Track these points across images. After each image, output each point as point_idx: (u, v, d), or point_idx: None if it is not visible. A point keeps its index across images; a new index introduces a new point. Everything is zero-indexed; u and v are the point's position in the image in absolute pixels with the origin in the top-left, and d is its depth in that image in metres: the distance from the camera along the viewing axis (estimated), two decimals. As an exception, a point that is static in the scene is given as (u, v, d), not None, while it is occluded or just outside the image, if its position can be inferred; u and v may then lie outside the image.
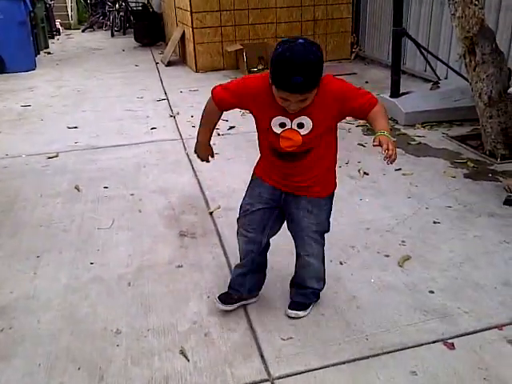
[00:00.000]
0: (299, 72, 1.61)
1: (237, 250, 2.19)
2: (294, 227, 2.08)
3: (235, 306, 2.23)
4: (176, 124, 4.91)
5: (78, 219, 3.09)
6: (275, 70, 1.66)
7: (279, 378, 1.87)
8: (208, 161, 2.21)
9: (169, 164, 3.94)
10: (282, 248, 2.67)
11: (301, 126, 1.84)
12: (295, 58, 1.62)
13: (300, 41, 1.66)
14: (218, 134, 4.48)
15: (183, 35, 7.82)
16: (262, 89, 1.83)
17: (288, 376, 1.88)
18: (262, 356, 1.98)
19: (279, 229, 2.16)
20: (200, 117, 2.06)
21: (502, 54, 3.74)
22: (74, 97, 6.14)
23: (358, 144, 4.13)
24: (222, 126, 4.73)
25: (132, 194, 3.41)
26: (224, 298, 2.23)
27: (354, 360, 1.94)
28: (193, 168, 3.83)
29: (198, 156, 2.20)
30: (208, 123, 2.08)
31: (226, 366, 1.94)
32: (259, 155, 2.09)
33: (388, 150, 1.66)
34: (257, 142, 2.04)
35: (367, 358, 1.95)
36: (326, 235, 2.13)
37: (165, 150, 4.24)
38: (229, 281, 2.29)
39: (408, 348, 1.99)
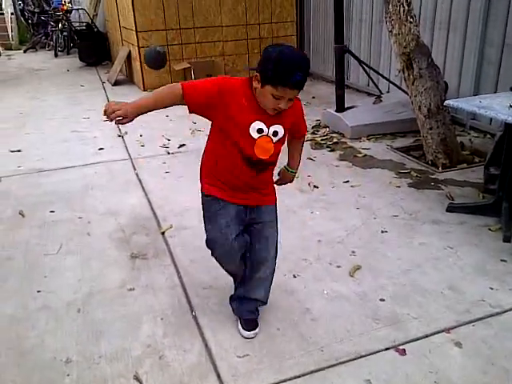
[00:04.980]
0: (300, 68, 1.69)
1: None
2: (259, 239, 2.05)
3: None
4: (124, 144, 4.83)
5: (23, 246, 2.97)
6: (277, 68, 1.67)
7: (236, 396, 1.86)
8: (111, 120, 1.91)
9: (118, 185, 3.87)
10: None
11: (275, 134, 1.88)
12: (296, 55, 1.73)
13: (286, 44, 1.77)
14: (168, 153, 4.46)
15: (129, 54, 7.76)
16: (241, 90, 1.81)
17: (245, 394, 1.87)
18: (218, 375, 1.96)
19: None
20: (153, 98, 1.87)
21: (438, 68, 3.94)
22: (17, 119, 5.93)
23: (308, 158, 4.20)
24: (172, 144, 4.72)
25: (80, 217, 3.32)
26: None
27: (310, 372, 1.95)
28: (143, 188, 3.78)
29: (110, 112, 1.89)
30: (159, 101, 1.85)
31: (182, 388, 1.91)
32: (209, 172, 2.00)
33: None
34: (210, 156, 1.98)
35: (323, 369, 1.97)
36: (278, 249, 2.14)
37: (113, 170, 4.16)
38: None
39: (362, 357, 2.02)
